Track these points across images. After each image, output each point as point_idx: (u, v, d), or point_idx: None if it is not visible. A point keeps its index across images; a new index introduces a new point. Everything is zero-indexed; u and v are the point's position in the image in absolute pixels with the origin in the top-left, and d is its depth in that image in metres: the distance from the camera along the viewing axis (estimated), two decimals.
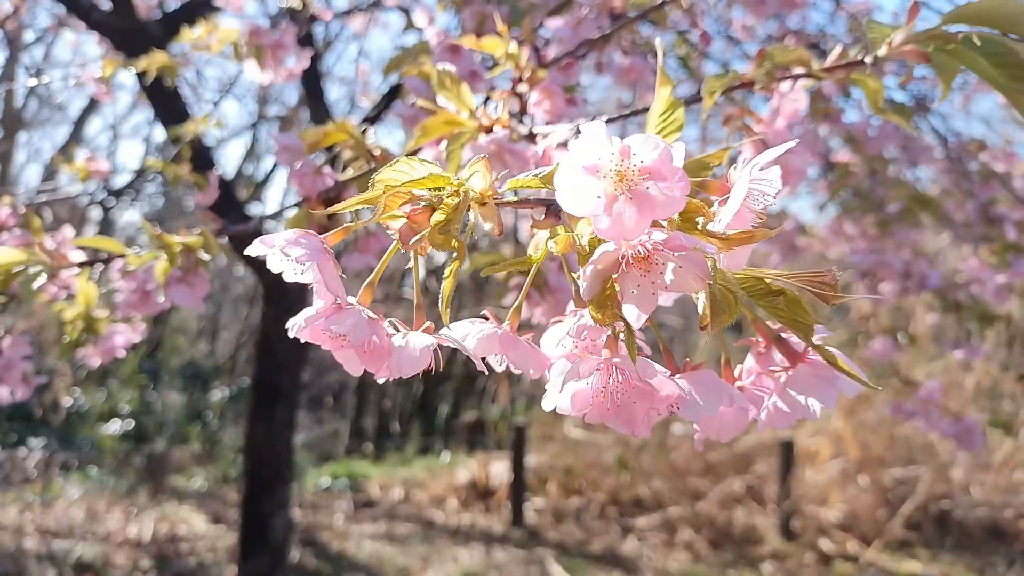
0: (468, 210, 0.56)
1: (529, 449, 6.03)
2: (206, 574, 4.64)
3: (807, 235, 3.39)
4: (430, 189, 0.56)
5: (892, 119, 0.94)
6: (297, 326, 0.55)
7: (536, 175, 0.55)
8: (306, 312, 0.56)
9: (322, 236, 0.55)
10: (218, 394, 7.81)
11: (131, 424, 6.81)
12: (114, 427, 6.72)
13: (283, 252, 0.53)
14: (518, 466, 5.71)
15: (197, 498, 6.00)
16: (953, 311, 3.24)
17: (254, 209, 7.13)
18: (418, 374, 0.56)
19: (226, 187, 3.41)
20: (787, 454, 5.38)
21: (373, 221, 0.54)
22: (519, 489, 5.69)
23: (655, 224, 0.49)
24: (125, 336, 1.84)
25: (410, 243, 0.54)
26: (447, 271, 0.56)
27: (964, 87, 3.70)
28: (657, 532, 5.38)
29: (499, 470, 6.21)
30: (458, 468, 6.62)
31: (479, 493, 6.17)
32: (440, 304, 0.57)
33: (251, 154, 8.83)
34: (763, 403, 0.56)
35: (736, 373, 0.61)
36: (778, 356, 0.57)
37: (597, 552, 5.10)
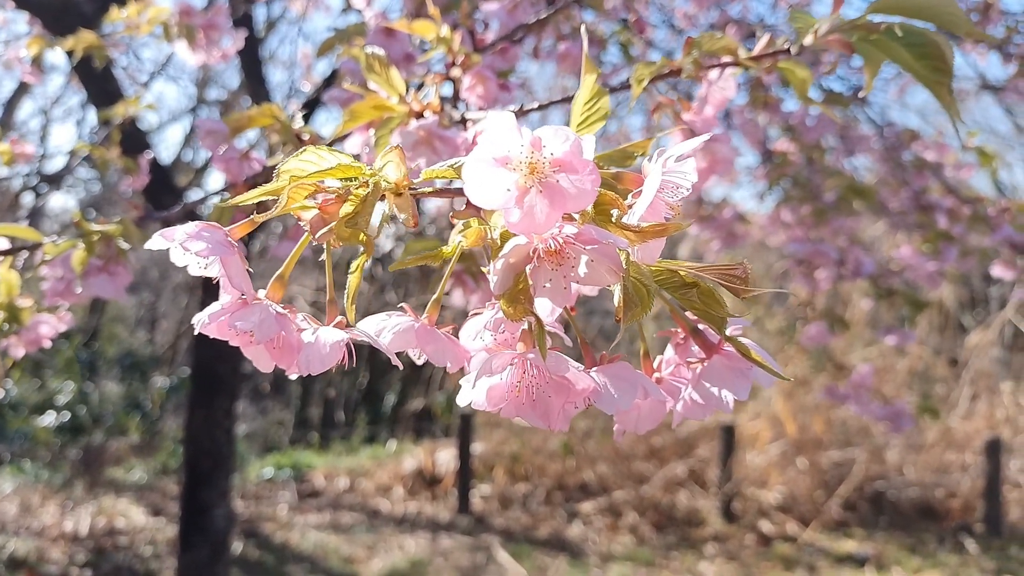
0: (383, 200, 0.55)
1: (476, 436, 6.04)
2: (145, 567, 4.55)
3: (746, 223, 3.43)
4: (342, 179, 0.54)
5: (818, 107, 0.95)
6: (201, 322, 0.53)
7: (452, 165, 0.53)
8: (211, 307, 0.53)
9: (227, 228, 0.53)
10: (157, 384, 7.64)
11: (67, 416, 6.62)
12: (49, 419, 6.53)
13: (183, 247, 0.51)
14: (464, 453, 5.72)
15: (136, 490, 5.88)
16: (886, 298, 3.32)
17: (193, 196, 6.97)
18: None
19: (162, 172, 3.31)
20: (729, 438, 5.48)
21: (277, 214, 0.53)
22: (465, 476, 5.70)
23: (567, 217, 0.49)
24: (51, 326, 1.77)
25: (319, 236, 0.52)
26: (353, 266, 0.55)
27: (899, 78, 3.78)
28: (602, 516, 5.44)
29: (445, 458, 6.20)
30: (404, 456, 6.60)
31: (425, 481, 6.16)
32: (345, 301, 0.55)
33: (191, 139, 8.61)
34: (680, 394, 0.56)
35: (656, 364, 0.61)
36: (696, 347, 0.57)
37: (543, 537, 5.14)
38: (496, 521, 5.44)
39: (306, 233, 0.54)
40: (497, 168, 0.47)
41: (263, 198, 0.53)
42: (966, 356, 6.53)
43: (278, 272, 0.56)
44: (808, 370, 5.70)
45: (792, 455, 5.66)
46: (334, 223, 0.52)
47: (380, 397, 8.21)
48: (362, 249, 0.54)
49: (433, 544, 4.99)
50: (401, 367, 0.55)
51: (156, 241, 0.52)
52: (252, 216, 0.54)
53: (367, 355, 8.15)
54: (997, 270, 3.13)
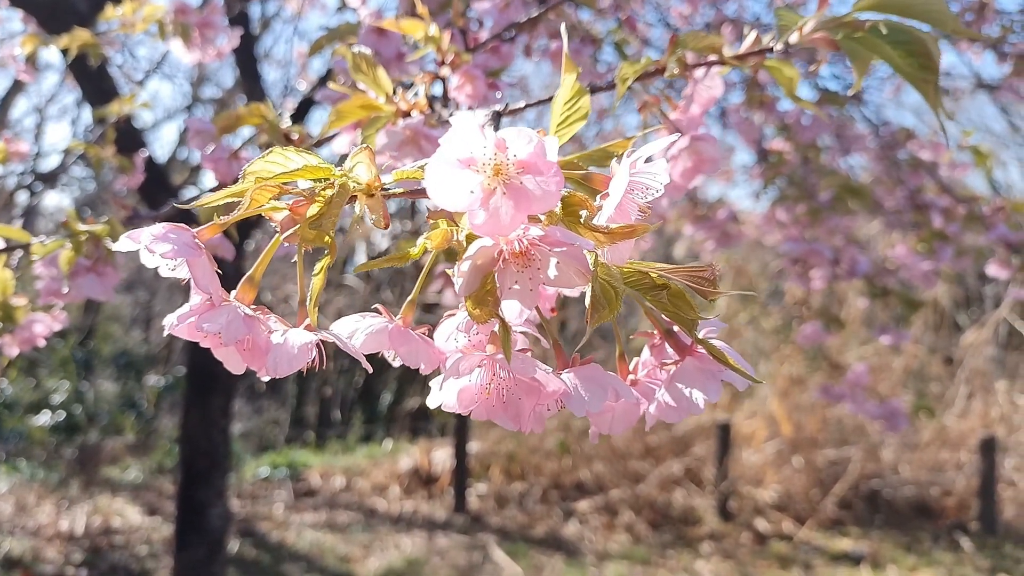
0: (354, 202, 0.54)
1: (472, 435, 6.03)
2: (141, 567, 4.54)
3: (741, 223, 3.42)
4: (315, 180, 0.54)
5: (806, 106, 0.95)
6: (171, 324, 0.53)
7: (423, 166, 0.53)
8: (180, 309, 0.53)
9: (195, 230, 0.53)
10: (152, 383, 7.62)
11: (62, 415, 6.61)
12: (44, 418, 6.52)
13: (148, 248, 0.50)
14: (461, 452, 5.72)
15: (132, 489, 5.87)
16: (881, 297, 3.32)
17: (189, 194, 6.95)
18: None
19: (157, 171, 3.31)
20: (725, 436, 5.48)
21: (241, 217, 0.52)
22: (462, 475, 5.70)
23: (533, 219, 0.48)
24: (45, 324, 1.77)
25: (285, 236, 0.52)
26: (317, 267, 0.54)
27: (893, 77, 3.78)
28: (598, 515, 5.44)
29: (442, 457, 6.20)
30: (400, 455, 6.60)
31: (422, 480, 6.16)
32: (308, 303, 0.55)
33: (185, 137, 8.59)
34: (654, 396, 0.56)
35: (632, 367, 0.60)
36: (670, 349, 0.56)
37: (539, 536, 5.14)
38: (492, 520, 5.44)
39: (276, 235, 0.54)
40: (461, 169, 0.47)
41: (228, 200, 0.52)
42: (961, 355, 6.54)
43: (248, 273, 0.56)
44: (804, 369, 5.70)
45: (788, 454, 5.66)
46: (298, 225, 0.51)
47: (376, 396, 8.20)
48: (326, 251, 0.54)
49: (429, 543, 4.99)
50: (371, 370, 0.55)
51: (123, 243, 0.51)
52: (222, 219, 0.54)
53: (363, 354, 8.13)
54: (993, 269, 3.13)
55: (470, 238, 0.50)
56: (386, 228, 0.54)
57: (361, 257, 8.02)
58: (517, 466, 6.07)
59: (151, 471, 6.31)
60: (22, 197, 7.27)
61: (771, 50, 0.91)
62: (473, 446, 6.06)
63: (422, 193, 0.59)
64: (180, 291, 9.90)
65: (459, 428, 5.77)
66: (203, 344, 0.54)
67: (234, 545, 4.76)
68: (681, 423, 5.91)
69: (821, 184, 3.13)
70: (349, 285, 8.45)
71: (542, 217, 0.50)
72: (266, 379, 0.55)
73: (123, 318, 10.10)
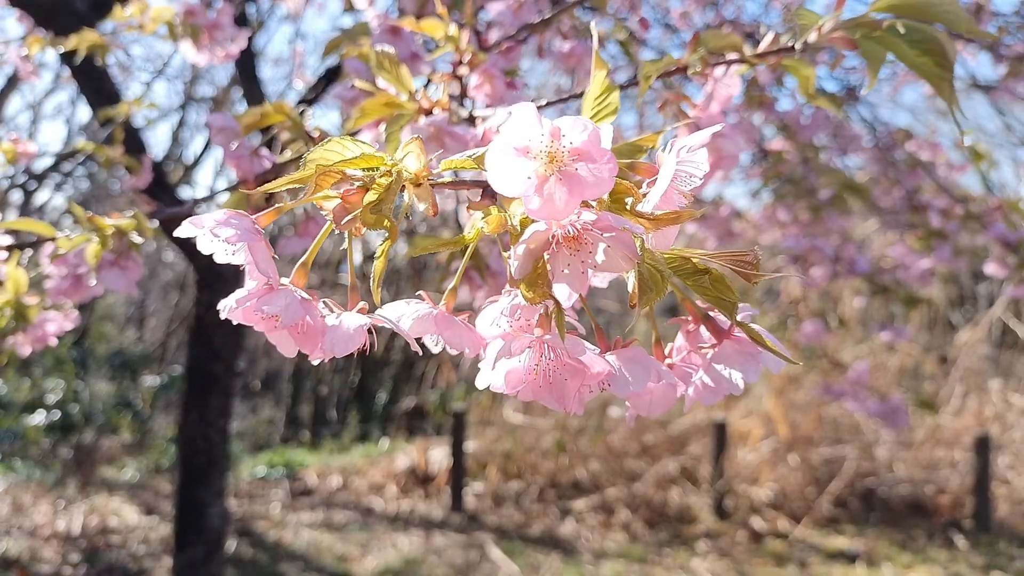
0: (402, 191, 0.57)
1: (468, 434, 6.04)
2: (139, 566, 4.54)
3: (742, 221, 3.46)
4: (364, 169, 0.56)
5: (822, 104, 0.97)
6: (228, 307, 0.55)
7: (471, 156, 0.55)
8: (238, 293, 0.55)
9: (253, 216, 0.55)
10: (148, 382, 7.62)
11: (57, 414, 6.59)
12: (39, 418, 6.51)
13: (213, 233, 0.52)
14: (457, 451, 5.73)
15: (128, 489, 5.86)
16: (881, 295, 3.36)
17: (185, 193, 6.95)
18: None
19: (158, 170, 3.32)
20: (720, 435, 5.51)
21: (304, 201, 0.54)
22: (459, 474, 5.71)
23: (585, 204, 0.50)
24: (57, 323, 1.78)
25: (343, 223, 0.54)
26: (379, 251, 0.56)
27: (892, 78, 3.81)
28: (595, 513, 5.46)
29: (438, 456, 6.21)
30: (397, 455, 6.60)
31: (418, 479, 6.17)
32: (372, 284, 0.57)
33: (179, 136, 8.60)
34: (691, 379, 0.58)
35: (666, 351, 0.63)
36: (706, 334, 0.59)
37: (536, 535, 5.15)
38: (489, 519, 5.46)
39: (327, 223, 0.56)
40: (518, 157, 0.49)
41: (291, 186, 0.55)
42: (955, 354, 6.59)
43: (301, 260, 0.58)
44: (799, 367, 5.74)
45: (783, 452, 5.70)
46: (358, 211, 0.54)
47: (372, 395, 8.20)
48: (386, 235, 0.56)
49: (426, 542, 5.00)
50: (420, 352, 0.57)
51: (186, 228, 0.54)
52: (277, 204, 0.56)
53: (358, 352, 8.14)
54: (990, 268, 3.16)
55: (524, 223, 0.52)
56: (434, 215, 0.56)
57: (356, 258, 8.00)
58: (514, 465, 6.08)
59: (148, 470, 6.30)
60: (15, 196, 7.26)
61: (792, 49, 0.94)
62: (470, 445, 6.07)
63: (465, 184, 0.61)
64: (174, 289, 9.88)
65: (456, 427, 5.79)
66: (257, 328, 0.56)
67: (231, 544, 4.76)
68: (677, 422, 5.94)
69: (821, 182, 3.17)
70: (344, 284, 8.45)
71: (592, 203, 0.52)
72: (316, 362, 0.57)
73: (117, 317, 10.08)
